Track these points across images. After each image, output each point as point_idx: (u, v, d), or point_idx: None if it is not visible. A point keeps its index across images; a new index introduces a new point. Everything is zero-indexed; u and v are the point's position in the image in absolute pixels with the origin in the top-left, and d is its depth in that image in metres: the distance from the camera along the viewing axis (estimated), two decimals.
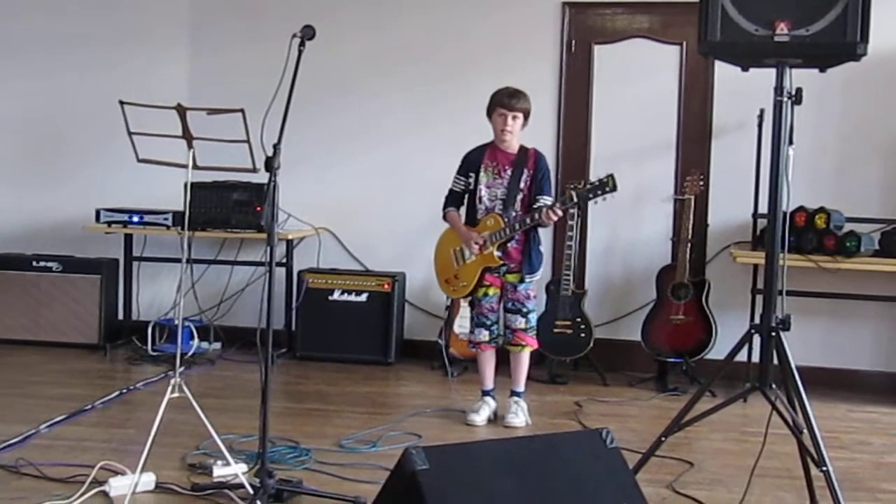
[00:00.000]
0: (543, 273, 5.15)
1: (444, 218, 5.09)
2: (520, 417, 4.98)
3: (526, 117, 4.92)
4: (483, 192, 4.97)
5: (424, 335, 6.50)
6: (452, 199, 5.07)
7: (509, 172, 4.93)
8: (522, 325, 4.99)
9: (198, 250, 6.69)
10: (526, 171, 4.93)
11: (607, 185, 4.64)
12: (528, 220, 4.80)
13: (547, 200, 4.88)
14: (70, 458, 4.07)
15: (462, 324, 6.02)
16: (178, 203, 5.81)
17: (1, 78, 6.93)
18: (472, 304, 5.13)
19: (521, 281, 4.96)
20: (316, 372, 6.08)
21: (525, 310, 4.99)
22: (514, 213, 4.88)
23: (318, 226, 6.63)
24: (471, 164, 5.01)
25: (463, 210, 5.09)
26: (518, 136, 4.95)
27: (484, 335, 5.05)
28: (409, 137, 6.58)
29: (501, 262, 4.93)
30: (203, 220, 6.27)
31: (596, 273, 6.43)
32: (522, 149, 4.98)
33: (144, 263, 6.80)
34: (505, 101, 4.86)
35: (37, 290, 6.56)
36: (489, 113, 4.94)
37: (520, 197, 4.92)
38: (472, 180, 5.00)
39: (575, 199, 4.73)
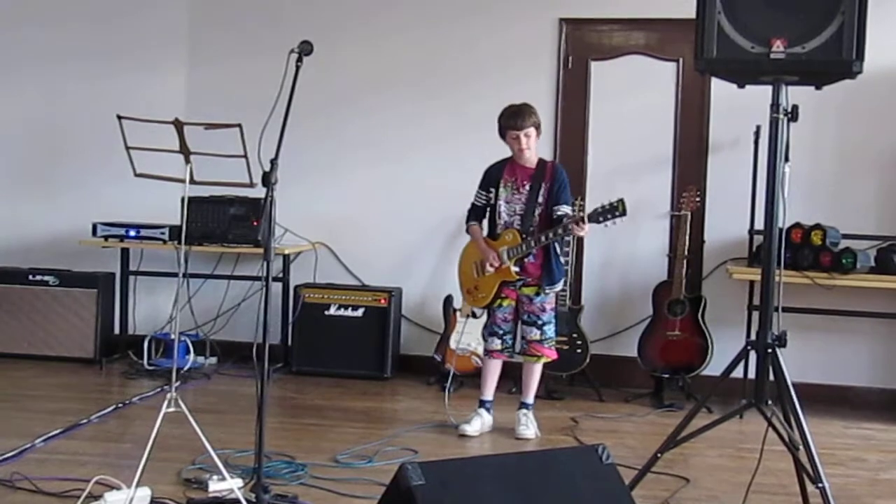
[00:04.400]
0: None
1: (467, 231, 5.16)
2: (530, 429, 5.03)
3: (538, 129, 4.97)
4: (502, 207, 5.02)
5: (421, 350, 6.49)
6: (475, 213, 5.14)
7: (528, 187, 4.98)
8: (537, 337, 5.03)
9: (194, 265, 6.67)
10: (544, 184, 4.97)
11: (617, 210, 4.67)
12: (556, 232, 4.81)
13: (566, 209, 4.93)
14: (65, 473, 4.06)
15: (458, 339, 6.03)
16: (175, 217, 5.84)
17: None
18: (488, 313, 5.19)
19: (538, 294, 5.00)
20: (312, 387, 6.07)
21: (540, 321, 5.03)
22: (531, 228, 4.92)
23: (315, 241, 6.63)
24: (491, 179, 5.07)
25: (486, 223, 5.15)
26: (536, 149, 5.00)
27: (496, 344, 5.10)
28: (406, 153, 6.58)
29: (518, 277, 4.97)
30: (200, 234, 6.27)
31: (592, 289, 6.44)
32: (541, 162, 5.03)
33: (141, 277, 6.79)
34: (514, 123, 4.90)
35: (33, 304, 6.54)
36: (502, 135, 4.98)
37: (538, 211, 4.96)
38: (492, 195, 5.05)
39: (586, 222, 4.75)
